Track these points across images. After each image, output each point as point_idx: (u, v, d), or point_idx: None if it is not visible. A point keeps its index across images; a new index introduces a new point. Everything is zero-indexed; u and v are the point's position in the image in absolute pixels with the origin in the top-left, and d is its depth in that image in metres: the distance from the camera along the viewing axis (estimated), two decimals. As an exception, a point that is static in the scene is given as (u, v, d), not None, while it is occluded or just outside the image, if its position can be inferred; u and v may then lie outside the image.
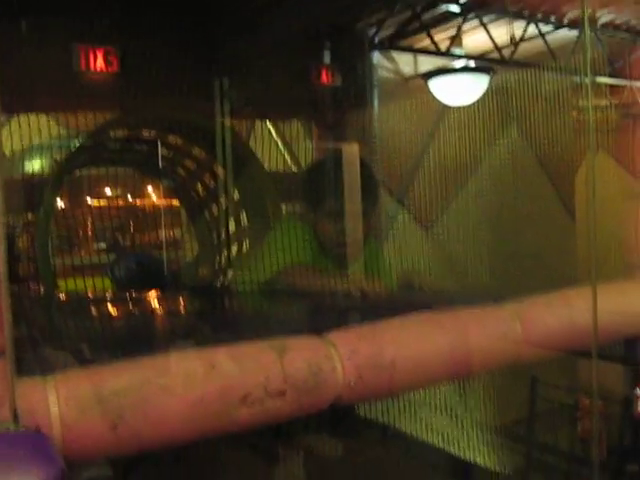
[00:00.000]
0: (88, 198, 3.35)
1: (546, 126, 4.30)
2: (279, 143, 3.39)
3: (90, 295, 2.82)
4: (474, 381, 3.52)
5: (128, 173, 3.33)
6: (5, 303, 1.12)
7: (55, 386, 1.25)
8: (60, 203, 3.22)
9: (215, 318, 2.09)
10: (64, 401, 1.23)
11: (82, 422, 1.22)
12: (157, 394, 1.26)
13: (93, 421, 1.23)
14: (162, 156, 3.04)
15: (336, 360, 1.40)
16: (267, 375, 1.33)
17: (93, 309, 2.58)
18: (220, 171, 2.96)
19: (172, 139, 3.01)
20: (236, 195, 3.02)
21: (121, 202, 3.46)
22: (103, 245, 3.40)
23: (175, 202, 3.41)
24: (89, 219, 3.42)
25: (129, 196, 3.45)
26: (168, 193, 3.41)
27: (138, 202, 3.48)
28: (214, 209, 3.10)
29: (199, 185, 3.19)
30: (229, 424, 1.31)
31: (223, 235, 3.00)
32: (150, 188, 3.46)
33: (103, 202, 3.40)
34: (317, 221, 2.57)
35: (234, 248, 2.97)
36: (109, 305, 2.73)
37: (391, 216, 3.58)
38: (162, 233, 3.35)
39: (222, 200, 3.01)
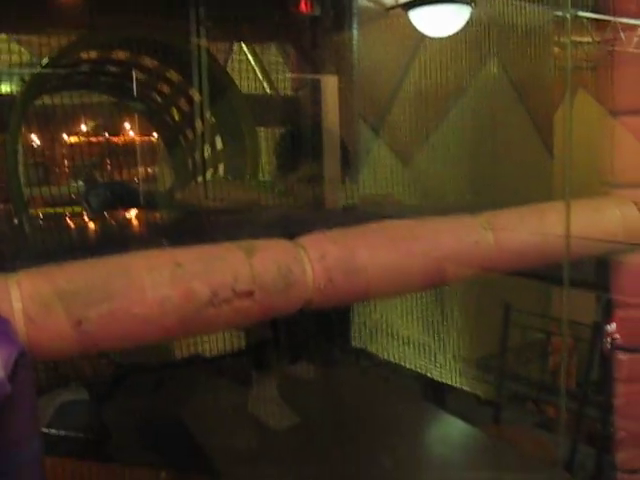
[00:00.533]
0: (58, 125, 3.26)
1: (527, 61, 4.25)
2: (256, 68, 3.31)
3: (63, 218, 2.78)
4: (450, 313, 3.56)
5: (100, 99, 3.24)
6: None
7: (18, 282, 1.22)
8: (31, 133, 3.14)
9: (187, 231, 2.07)
10: (28, 297, 1.21)
11: (46, 318, 1.20)
12: (122, 292, 1.25)
13: (57, 317, 1.21)
14: (136, 79, 2.96)
15: (306, 263, 1.39)
16: (235, 275, 1.32)
17: (65, 228, 2.55)
18: (196, 95, 2.89)
19: (146, 61, 2.93)
20: (212, 120, 2.96)
21: (93, 129, 3.37)
22: (74, 172, 3.33)
23: (150, 128, 3.33)
24: (60, 147, 3.33)
25: (102, 122, 3.37)
26: (142, 119, 3.33)
27: (111, 128, 3.40)
28: (189, 134, 3.04)
29: (174, 110, 3.12)
30: (197, 324, 1.30)
31: (199, 160, 2.95)
32: (124, 114, 3.37)
33: (74, 129, 3.32)
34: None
35: (209, 172, 2.92)
36: (82, 226, 2.69)
37: (367, 147, 3.55)
38: (137, 159, 3.29)
39: (198, 125, 2.95)
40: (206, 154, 2.90)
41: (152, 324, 1.25)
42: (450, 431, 2.53)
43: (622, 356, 2.11)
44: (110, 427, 2.62)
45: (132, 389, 2.85)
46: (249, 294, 1.32)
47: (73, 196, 3.20)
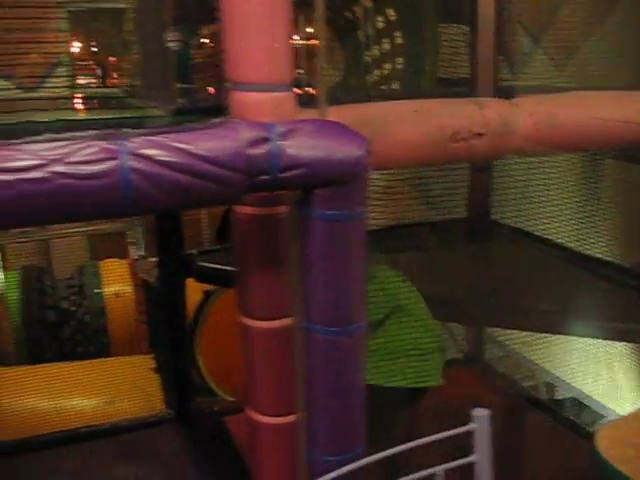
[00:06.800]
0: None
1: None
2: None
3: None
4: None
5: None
6: None
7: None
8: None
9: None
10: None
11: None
12: (396, 125, 1.77)
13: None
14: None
15: (519, 116, 1.88)
16: (471, 120, 1.82)
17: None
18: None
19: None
20: (393, 14, 3.31)
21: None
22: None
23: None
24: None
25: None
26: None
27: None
28: (368, 28, 3.39)
29: (354, 6, 3.45)
30: (443, 154, 1.82)
31: (376, 53, 3.31)
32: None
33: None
34: None
35: (387, 66, 3.29)
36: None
37: (525, 53, 3.59)
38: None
39: (377, 19, 3.31)
40: (385, 49, 3.25)
41: (416, 151, 1.79)
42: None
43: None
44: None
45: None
46: (480, 135, 1.83)
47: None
